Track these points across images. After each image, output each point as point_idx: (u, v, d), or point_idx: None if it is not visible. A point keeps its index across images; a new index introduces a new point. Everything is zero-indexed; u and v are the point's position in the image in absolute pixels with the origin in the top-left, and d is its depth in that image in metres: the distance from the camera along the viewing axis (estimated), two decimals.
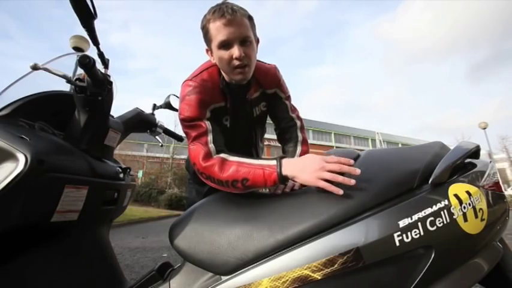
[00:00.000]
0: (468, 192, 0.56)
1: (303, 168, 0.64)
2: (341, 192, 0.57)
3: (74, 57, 1.00)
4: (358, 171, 0.58)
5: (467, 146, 0.64)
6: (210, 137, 0.79)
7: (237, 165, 0.71)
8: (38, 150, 0.67)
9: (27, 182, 0.64)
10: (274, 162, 0.68)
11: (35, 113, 0.84)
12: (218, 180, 0.72)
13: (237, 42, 0.78)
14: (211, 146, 0.78)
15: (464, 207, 0.54)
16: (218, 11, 0.77)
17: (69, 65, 0.98)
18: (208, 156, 0.76)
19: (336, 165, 0.60)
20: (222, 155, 0.75)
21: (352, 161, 0.61)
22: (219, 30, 0.77)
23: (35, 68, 0.75)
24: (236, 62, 0.79)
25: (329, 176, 0.59)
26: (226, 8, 0.76)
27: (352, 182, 0.57)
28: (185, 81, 0.87)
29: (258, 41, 0.88)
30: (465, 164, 0.65)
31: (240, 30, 0.78)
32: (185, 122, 0.83)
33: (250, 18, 0.82)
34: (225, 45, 0.79)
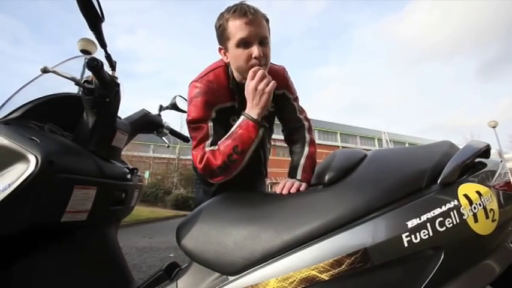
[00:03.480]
0: (478, 192, 0.55)
1: (252, 98, 0.76)
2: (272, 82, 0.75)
3: (82, 60, 1.02)
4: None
5: (477, 145, 0.63)
6: (207, 142, 0.82)
7: (222, 144, 0.77)
8: (48, 152, 0.68)
9: (38, 182, 0.66)
10: (242, 117, 0.77)
11: (45, 115, 0.86)
12: (219, 168, 0.77)
13: (256, 41, 0.79)
14: (207, 149, 0.81)
15: (475, 208, 0.53)
16: (240, 10, 0.78)
17: (77, 69, 1.00)
18: (202, 157, 0.80)
19: (261, 76, 0.75)
20: (210, 148, 0.80)
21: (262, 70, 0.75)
22: (239, 29, 0.78)
23: (45, 71, 0.76)
24: (254, 61, 0.80)
25: (264, 83, 0.74)
26: (248, 7, 0.78)
27: (271, 79, 0.76)
28: (191, 82, 0.89)
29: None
30: (475, 163, 0.64)
31: (260, 30, 0.79)
32: (191, 123, 0.85)
33: (267, 20, 0.84)
34: (244, 43, 0.80)
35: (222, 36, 0.84)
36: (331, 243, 0.54)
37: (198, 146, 0.82)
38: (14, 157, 0.67)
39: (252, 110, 0.76)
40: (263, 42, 0.81)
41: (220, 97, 0.88)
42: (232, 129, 0.78)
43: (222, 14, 0.82)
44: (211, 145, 0.81)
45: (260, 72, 0.75)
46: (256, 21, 0.78)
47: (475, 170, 0.61)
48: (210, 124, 0.83)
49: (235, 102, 0.91)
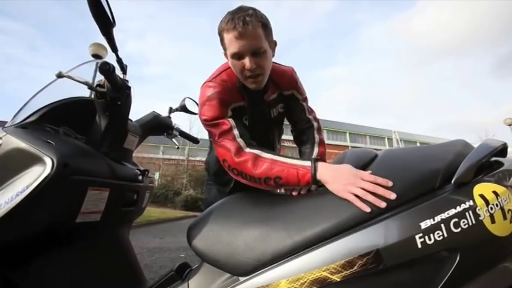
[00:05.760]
0: (495, 193, 0.53)
1: (337, 178, 0.63)
2: (368, 209, 0.55)
3: (93, 65, 1.04)
4: (393, 195, 0.54)
5: (492, 144, 0.61)
6: (236, 132, 0.79)
7: (271, 162, 0.71)
8: (63, 154, 0.70)
9: (54, 184, 0.68)
10: (308, 163, 0.68)
11: (59, 119, 0.88)
12: (250, 177, 0.73)
13: (248, 54, 0.79)
14: (240, 140, 0.78)
15: (491, 208, 0.51)
16: (231, 22, 0.77)
17: (89, 73, 1.02)
18: (240, 150, 0.76)
19: (370, 186, 0.57)
20: (255, 151, 0.75)
21: (390, 183, 0.56)
22: (231, 42, 0.79)
23: (59, 75, 0.79)
24: (248, 73, 0.81)
25: (360, 192, 0.57)
26: (238, 19, 0.76)
27: (383, 204, 0.54)
28: (205, 82, 0.89)
29: (275, 44, 0.88)
30: (491, 162, 0.62)
31: (251, 42, 0.78)
32: (208, 121, 0.84)
33: (264, 25, 0.80)
34: (237, 56, 0.80)
35: (222, 44, 0.85)
36: (343, 244, 0.54)
37: (224, 137, 0.79)
38: (31, 160, 0.70)
39: (329, 180, 0.63)
40: (256, 53, 0.79)
41: (233, 96, 0.89)
42: (292, 160, 0.71)
43: (221, 21, 0.81)
44: (244, 140, 0.78)
45: (379, 180, 0.58)
46: (246, 34, 0.76)
47: (491, 169, 0.59)
48: (230, 119, 0.82)
49: (245, 102, 0.92)
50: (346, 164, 0.66)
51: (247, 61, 0.79)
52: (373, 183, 0.58)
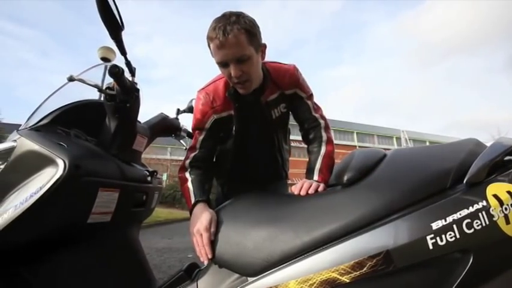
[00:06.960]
0: (510, 193, 0.52)
1: (192, 222, 0.77)
2: (205, 262, 0.69)
3: (102, 68, 1.06)
4: (205, 263, 0.70)
5: (506, 143, 0.60)
6: (192, 154, 0.94)
7: (185, 186, 0.89)
8: (74, 156, 0.72)
9: (66, 185, 0.69)
10: (194, 199, 0.83)
11: (70, 121, 0.90)
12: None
13: (232, 62, 0.79)
14: (188, 162, 0.93)
15: (506, 209, 0.50)
16: (213, 31, 0.77)
17: (98, 76, 1.04)
18: (182, 169, 0.94)
19: (197, 242, 0.71)
20: (187, 175, 0.91)
21: (208, 254, 0.68)
22: (214, 51, 0.79)
23: (71, 79, 0.81)
24: (235, 80, 0.82)
25: (195, 241, 0.72)
26: (218, 29, 0.75)
27: (201, 259, 0.69)
28: (197, 91, 0.96)
29: (264, 46, 0.87)
30: (504, 162, 0.60)
31: (234, 51, 0.77)
32: (192, 129, 0.98)
33: (248, 31, 0.78)
34: (222, 65, 0.81)
35: (209, 50, 0.84)
36: (352, 245, 0.53)
37: (188, 151, 0.96)
38: (44, 161, 0.71)
39: (192, 218, 0.78)
40: (241, 60, 0.79)
41: (216, 108, 0.92)
42: (193, 190, 0.87)
43: (208, 28, 0.81)
44: (193, 160, 0.93)
45: (201, 242, 0.70)
46: (227, 44, 0.75)
47: (505, 169, 0.57)
48: (201, 138, 0.94)
49: (234, 110, 0.93)
50: (208, 215, 0.74)
51: (231, 69, 0.80)
52: (200, 241, 0.70)
